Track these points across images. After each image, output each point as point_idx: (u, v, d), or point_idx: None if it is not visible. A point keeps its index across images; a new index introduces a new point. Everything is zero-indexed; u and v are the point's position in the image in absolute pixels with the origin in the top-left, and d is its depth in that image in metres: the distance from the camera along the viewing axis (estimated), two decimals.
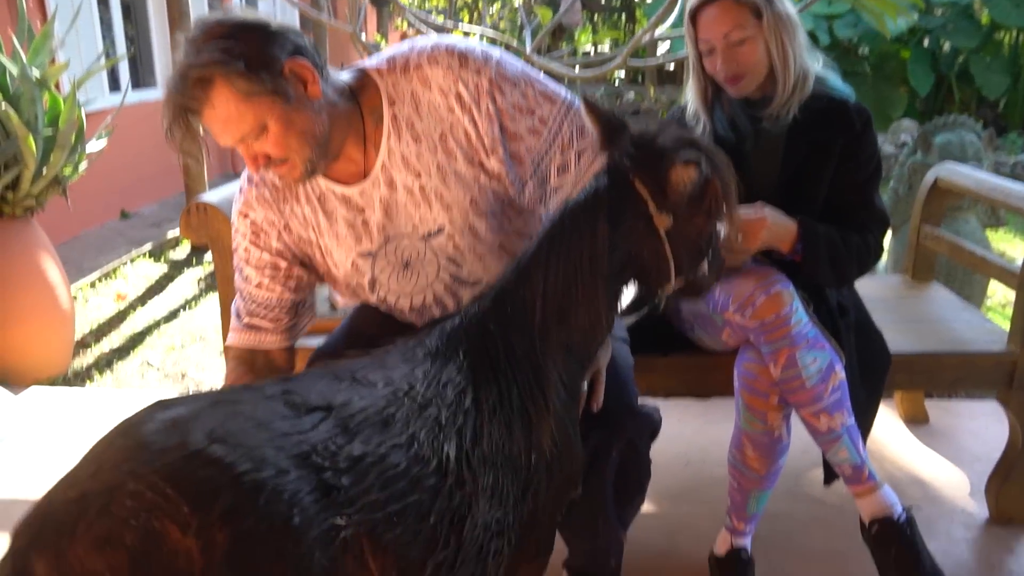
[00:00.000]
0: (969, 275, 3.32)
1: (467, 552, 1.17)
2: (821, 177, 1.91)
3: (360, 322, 1.79)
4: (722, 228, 1.46)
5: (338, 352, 1.71)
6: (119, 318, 4.06)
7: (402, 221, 1.59)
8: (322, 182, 1.59)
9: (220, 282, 2.10)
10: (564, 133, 1.57)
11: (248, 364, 1.69)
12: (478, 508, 1.19)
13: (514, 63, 1.57)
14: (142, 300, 4.30)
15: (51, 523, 0.93)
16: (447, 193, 1.57)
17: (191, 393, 1.12)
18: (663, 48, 9.01)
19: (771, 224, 1.79)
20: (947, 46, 9.21)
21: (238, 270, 1.70)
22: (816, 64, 1.94)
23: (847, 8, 8.13)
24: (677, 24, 4.20)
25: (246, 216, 1.65)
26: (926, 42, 9.23)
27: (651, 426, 1.64)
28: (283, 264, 1.66)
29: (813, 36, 7.89)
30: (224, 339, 2.14)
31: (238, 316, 1.71)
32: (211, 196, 2.10)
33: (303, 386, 1.15)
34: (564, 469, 1.36)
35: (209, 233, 2.05)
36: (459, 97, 1.53)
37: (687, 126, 1.98)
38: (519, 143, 1.56)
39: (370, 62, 1.59)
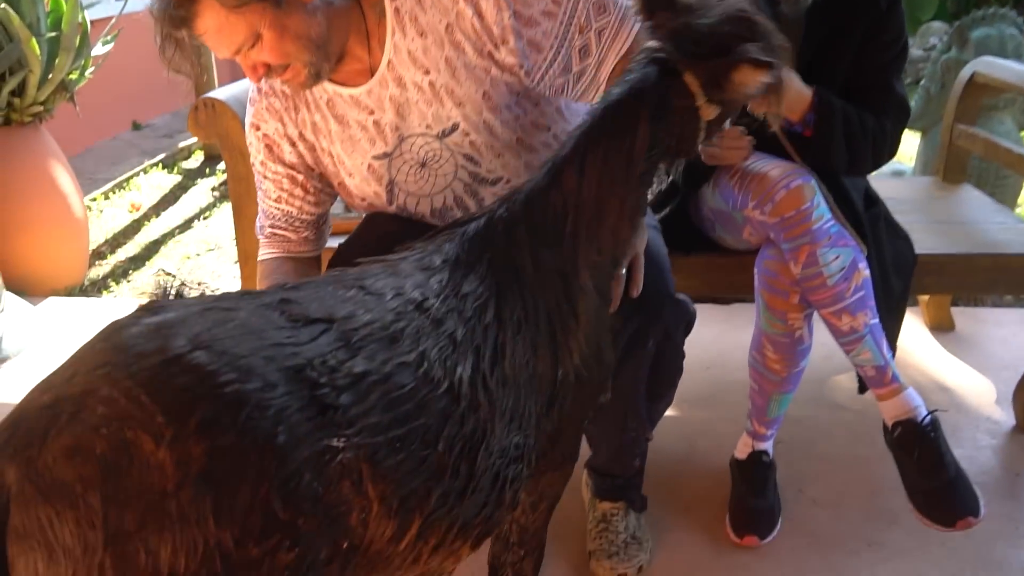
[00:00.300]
0: (1002, 178, 3.22)
1: (480, 481, 1.09)
2: (842, 63, 1.81)
3: (381, 219, 1.75)
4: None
5: (360, 251, 1.68)
6: (134, 228, 4.04)
7: (415, 120, 1.55)
8: (329, 86, 1.55)
9: (231, 181, 2.06)
10: (580, 12, 1.49)
11: (281, 273, 1.66)
12: (494, 434, 1.11)
13: None
14: (156, 210, 4.26)
15: (23, 429, 0.88)
16: (458, 88, 1.51)
17: (186, 298, 1.04)
18: None
19: (785, 85, 1.66)
20: None
21: (257, 183, 1.69)
22: None
23: None
24: None
25: (258, 128, 1.63)
26: None
27: (687, 316, 1.61)
28: (299, 177, 1.64)
29: None
30: (238, 244, 2.12)
31: (261, 229, 1.71)
32: (220, 93, 2.04)
33: (305, 295, 1.06)
34: (593, 378, 1.29)
35: (218, 131, 2.00)
36: None
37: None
38: (535, 28, 1.49)
39: None
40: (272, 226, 1.68)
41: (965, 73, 2.58)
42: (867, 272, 1.70)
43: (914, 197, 2.50)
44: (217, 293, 3.00)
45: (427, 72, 1.51)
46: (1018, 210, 3.79)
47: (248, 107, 1.65)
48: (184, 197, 4.45)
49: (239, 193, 2.02)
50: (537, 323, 1.19)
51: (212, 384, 0.88)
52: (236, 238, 2.08)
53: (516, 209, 1.23)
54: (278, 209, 1.66)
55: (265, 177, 1.65)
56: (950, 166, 2.62)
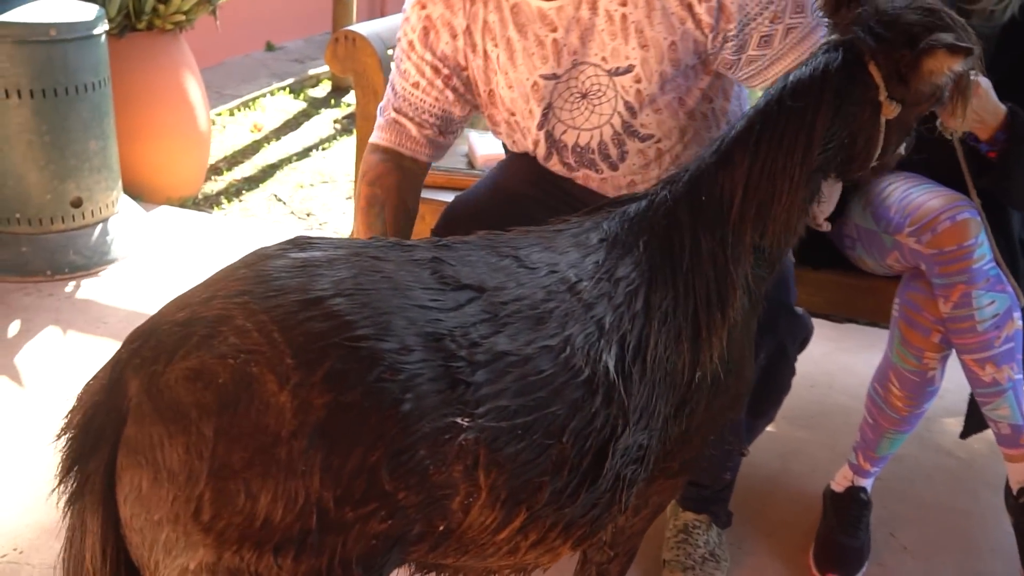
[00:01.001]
0: None
1: (599, 482, 1.03)
2: None
3: (506, 177, 1.67)
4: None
5: (478, 207, 1.61)
6: (253, 148, 4.06)
7: (594, 49, 1.48)
8: None
9: (359, 120, 2.01)
10: (779, 2, 1.41)
11: (394, 162, 1.58)
12: (621, 432, 1.04)
13: None
14: (277, 134, 4.28)
15: (153, 342, 0.86)
16: (648, 30, 1.44)
17: (335, 237, 1.00)
18: None
19: (978, 95, 1.49)
20: None
21: (396, 62, 1.59)
22: None
23: None
24: None
25: (423, 7, 1.52)
26: None
27: (804, 331, 1.53)
28: (443, 71, 1.54)
29: None
30: (356, 184, 2.07)
31: (383, 111, 1.62)
32: (362, 28, 1.99)
33: (458, 256, 1.01)
34: (730, 389, 1.21)
35: (355, 66, 1.95)
36: None
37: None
38: None
39: None
40: (397, 111, 1.58)
41: None
42: (1020, 323, 1.55)
43: None
44: (327, 229, 2.96)
45: (624, 3, 1.44)
46: None
47: None
48: (306, 124, 4.46)
49: (365, 133, 1.95)
50: (685, 314, 1.13)
51: (348, 335, 0.84)
52: (355, 178, 2.03)
53: (680, 190, 1.18)
54: (411, 95, 1.56)
55: (408, 58, 1.55)
56: None
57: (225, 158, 3.91)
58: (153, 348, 0.85)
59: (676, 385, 1.12)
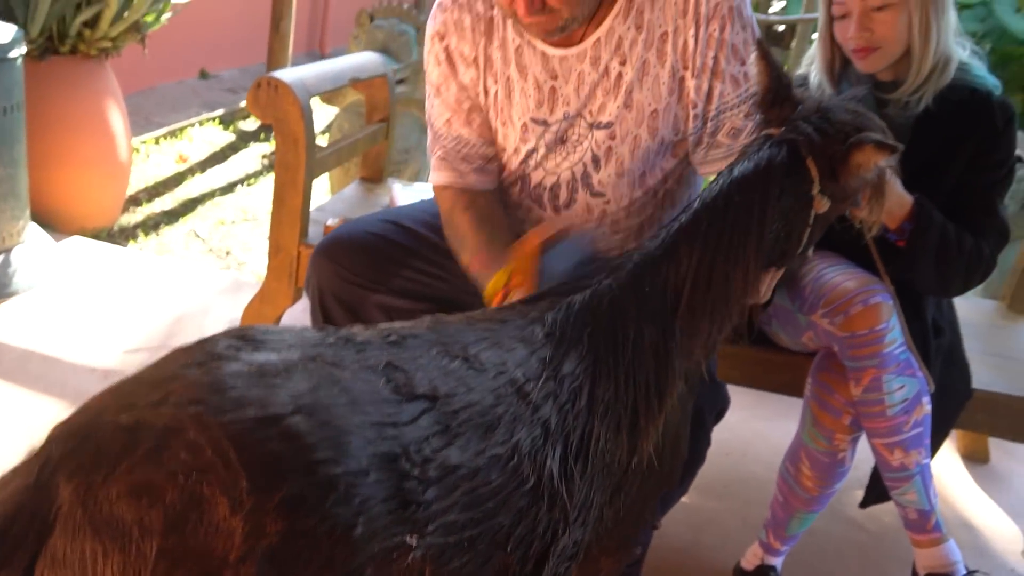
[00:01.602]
0: None
1: None
2: (946, 178, 1.67)
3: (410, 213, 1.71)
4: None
5: (365, 239, 1.61)
6: (176, 180, 3.94)
7: (585, 102, 1.52)
8: (526, 34, 1.51)
9: (279, 167, 1.94)
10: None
11: (467, 194, 1.58)
12: (562, 533, 1.02)
13: (749, 8, 1.49)
14: (202, 166, 4.16)
15: (92, 446, 0.79)
16: (638, 93, 1.49)
17: (284, 329, 0.96)
18: (776, 7, 8.54)
19: (889, 185, 1.51)
20: None
21: (428, 99, 1.62)
22: (962, 51, 1.68)
23: (976, 1, 7.59)
24: None
25: (442, 38, 1.56)
26: None
27: (722, 403, 1.54)
28: (466, 103, 1.58)
29: None
30: (271, 235, 2.00)
31: (431, 151, 1.64)
32: (286, 73, 1.93)
33: (410, 358, 0.97)
34: (664, 468, 1.20)
35: (276, 113, 1.89)
36: (697, 5, 1.45)
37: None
38: (718, 83, 1.47)
39: None
40: (443, 153, 1.60)
41: None
42: (929, 408, 1.56)
43: (975, 321, 2.32)
44: (245, 269, 2.85)
45: (623, 63, 1.48)
46: None
47: (434, 14, 1.57)
48: (233, 158, 4.36)
49: (284, 182, 1.90)
50: (625, 404, 1.11)
51: (307, 460, 0.79)
52: (271, 227, 1.96)
53: (624, 280, 1.16)
54: (448, 132, 1.59)
55: (439, 93, 1.59)
56: (1018, 295, 2.45)
57: (146, 188, 3.78)
58: (92, 454, 0.78)
59: (613, 474, 1.11)
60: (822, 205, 1.20)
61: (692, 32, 1.45)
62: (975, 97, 1.65)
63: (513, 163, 1.60)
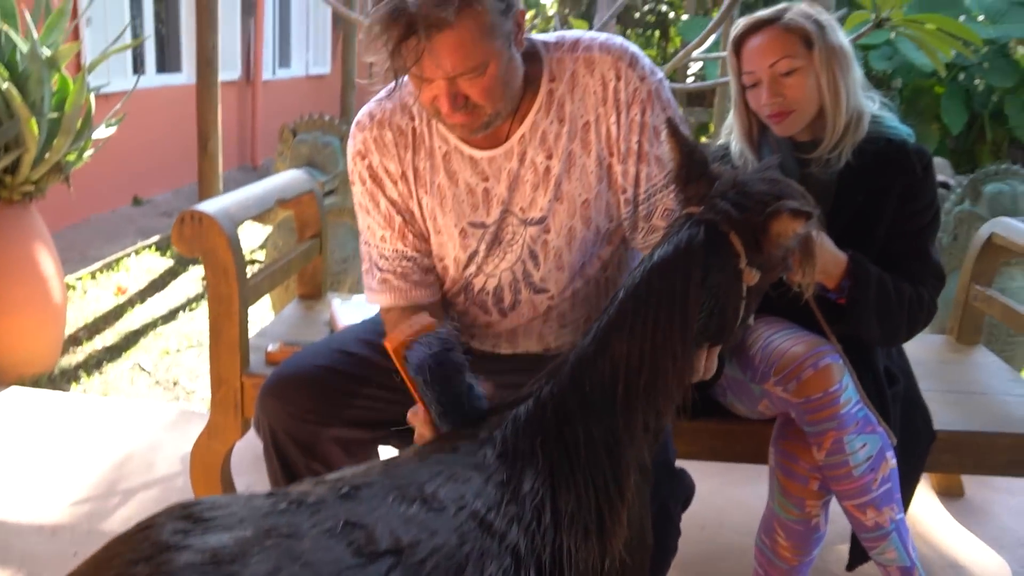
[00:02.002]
0: (1013, 336, 3.08)
1: None
2: (877, 228, 1.69)
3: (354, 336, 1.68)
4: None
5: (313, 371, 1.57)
6: (116, 314, 3.86)
7: (517, 199, 1.51)
8: (452, 140, 1.50)
9: (212, 301, 1.89)
10: None
11: (410, 310, 1.55)
12: None
13: (668, 90, 1.51)
14: (142, 296, 4.10)
15: None
16: (567, 184, 1.48)
17: (231, 500, 0.91)
18: (694, 68, 8.81)
19: (819, 250, 1.52)
20: (981, 84, 8.96)
21: (360, 220, 1.60)
22: (872, 104, 1.72)
23: (884, 39, 7.90)
24: (712, 48, 3.98)
25: (363, 158, 1.54)
26: (960, 79, 8.98)
27: (687, 491, 1.51)
28: (397, 219, 1.56)
29: None
30: (212, 368, 1.95)
31: (367, 273, 1.61)
32: (210, 205, 1.89)
33: (368, 510, 0.94)
34: (635, 563, 1.16)
35: (203, 246, 1.85)
36: (616, 93, 1.45)
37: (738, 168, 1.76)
38: (644, 166, 1.48)
39: (538, 36, 1.51)
40: (382, 275, 1.57)
41: (983, 233, 2.46)
42: (894, 462, 1.55)
43: (927, 359, 2.34)
44: (194, 398, 2.77)
45: (549, 156, 1.48)
46: None
47: (354, 133, 1.55)
48: (173, 284, 4.30)
49: (218, 314, 1.86)
50: (588, 509, 1.09)
51: None
52: (210, 361, 1.91)
53: (564, 383, 1.15)
54: (384, 249, 1.56)
55: (368, 213, 1.56)
56: (965, 326, 2.48)
57: (85, 326, 3.70)
58: None
59: None
60: (752, 277, 1.20)
61: (613, 119, 1.46)
62: (892, 147, 1.68)
63: (453, 271, 1.58)
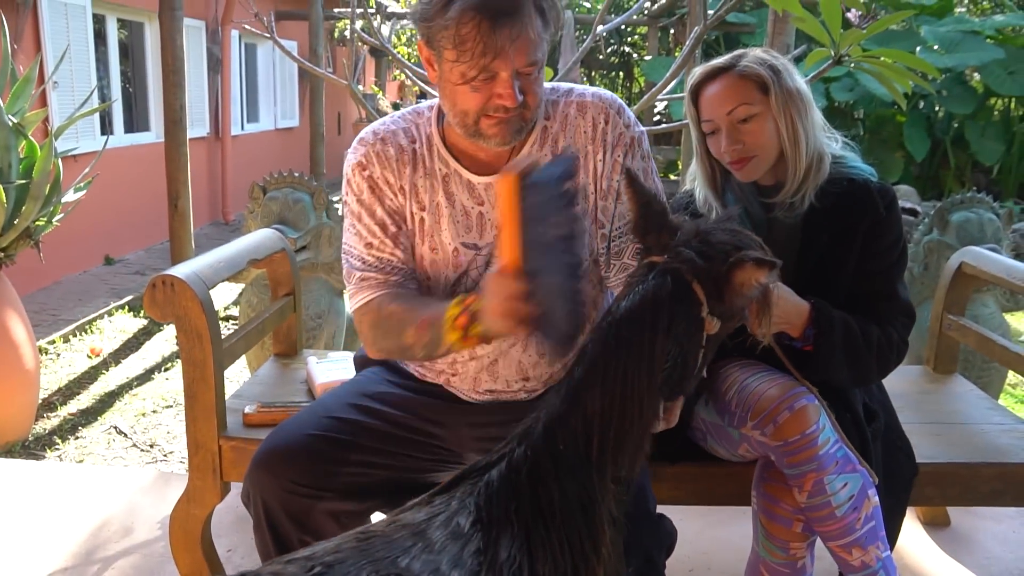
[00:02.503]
0: (988, 363, 3.10)
1: None
2: (844, 269, 1.70)
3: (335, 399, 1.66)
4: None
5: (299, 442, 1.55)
6: (90, 377, 3.81)
7: None
8: (452, 162, 1.56)
9: (186, 365, 1.87)
10: None
11: (387, 316, 1.51)
12: None
13: (647, 144, 1.60)
14: (116, 358, 4.05)
15: None
16: None
17: None
18: (659, 106, 8.92)
19: (779, 300, 1.55)
20: (941, 112, 9.15)
21: (347, 228, 1.60)
22: (834, 144, 1.74)
23: (844, 72, 8.06)
24: (677, 88, 4.03)
25: (364, 169, 1.57)
26: (921, 107, 9.17)
27: (668, 538, 1.51)
28: (392, 228, 1.57)
29: None
30: (188, 433, 1.91)
31: (348, 278, 1.59)
32: (181, 269, 1.88)
33: None
34: None
35: (175, 311, 1.83)
36: (604, 134, 1.55)
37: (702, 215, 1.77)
38: (620, 204, 1.55)
39: None
40: (363, 272, 1.56)
41: (953, 263, 2.49)
42: (876, 499, 1.54)
43: (905, 391, 2.35)
44: (172, 459, 2.71)
45: None
46: (1004, 398, 3.67)
47: (355, 147, 1.59)
48: (147, 344, 4.25)
49: (194, 378, 1.84)
50: (565, 571, 1.08)
51: None
52: (187, 425, 1.88)
53: (537, 444, 1.14)
54: (370, 255, 1.56)
55: (359, 220, 1.57)
56: (941, 356, 2.50)
57: (60, 390, 3.64)
58: None
59: None
60: (712, 326, 1.20)
61: (600, 156, 1.55)
62: (855, 187, 1.70)
63: (447, 289, 1.58)
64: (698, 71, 1.72)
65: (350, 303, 1.59)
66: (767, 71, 1.64)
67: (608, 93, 1.59)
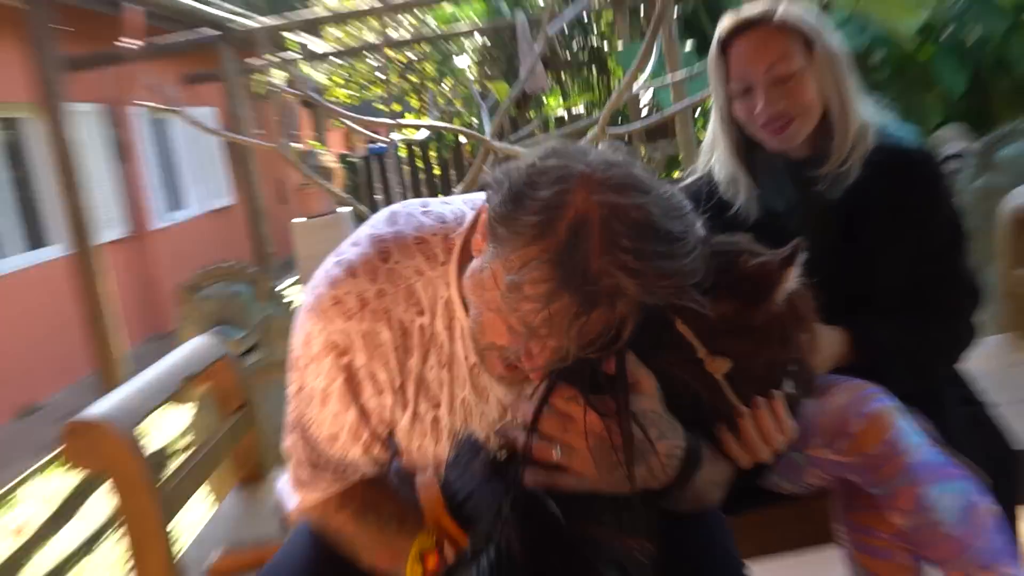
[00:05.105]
0: None
1: None
2: (896, 251, 1.72)
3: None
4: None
5: None
6: (14, 564, 3.72)
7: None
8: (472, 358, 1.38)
9: (130, 520, 1.83)
10: None
11: (337, 501, 1.45)
12: None
13: None
14: (48, 530, 3.96)
15: None
16: None
17: None
18: (646, 99, 8.99)
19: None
20: (974, 36, 9.22)
21: (301, 409, 1.43)
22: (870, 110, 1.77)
23: (845, 17, 8.12)
24: (657, 73, 4.06)
25: (342, 355, 1.36)
26: (944, 38, 9.24)
27: None
28: (363, 431, 1.41)
29: None
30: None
31: (298, 467, 1.46)
32: (100, 407, 1.85)
33: None
34: None
35: (101, 461, 1.80)
36: None
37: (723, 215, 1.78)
38: None
39: None
40: (314, 466, 1.43)
41: (1005, 210, 2.48)
42: (990, 503, 1.52)
43: (989, 367, 2.28)
44: None
45: None
46: None
47: (328, 315, 1.34)
48: (85, 505, 4.18)
49: (138, 536, 1.80)
50: None
51: None
52: None
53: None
54: (330, 451, 1.42)
55: (324, 403, 1.39)
56: (1020, 320, 2.50)
57: None
58: None
59: None
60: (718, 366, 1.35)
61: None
62: (902, 156, 1.73)
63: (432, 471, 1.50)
64: (726, 21, 1.73)
65: (295, 488, 1.49)
66: (809, 24, 1.67)
67: None
